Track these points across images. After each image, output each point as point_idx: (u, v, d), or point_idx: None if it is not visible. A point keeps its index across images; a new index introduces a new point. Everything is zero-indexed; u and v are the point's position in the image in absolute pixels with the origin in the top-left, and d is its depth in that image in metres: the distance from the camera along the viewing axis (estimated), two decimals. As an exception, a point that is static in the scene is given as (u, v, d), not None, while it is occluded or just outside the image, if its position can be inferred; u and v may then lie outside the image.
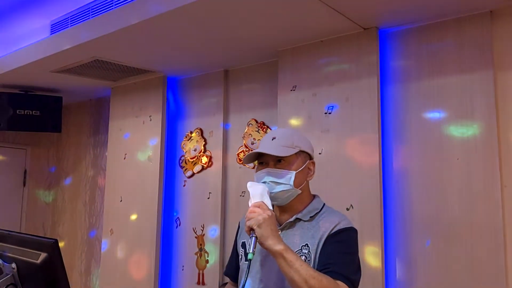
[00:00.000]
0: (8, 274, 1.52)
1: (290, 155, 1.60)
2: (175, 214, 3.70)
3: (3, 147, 4.81)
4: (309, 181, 1.68)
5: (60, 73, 3.71)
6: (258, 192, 1.56)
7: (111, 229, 3.91)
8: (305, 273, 1.40)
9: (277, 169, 1.60)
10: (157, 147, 3.69)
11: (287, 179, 1.59)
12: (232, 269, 1.80)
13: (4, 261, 1.55)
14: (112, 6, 2.90)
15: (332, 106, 2.76)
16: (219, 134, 3.49)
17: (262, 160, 1.65)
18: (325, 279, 1.41)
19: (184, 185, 3.66)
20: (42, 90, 4.32)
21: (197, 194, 3.56)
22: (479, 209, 2.31)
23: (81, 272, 4.51)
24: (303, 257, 1.53)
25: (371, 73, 2.63)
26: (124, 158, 3.93)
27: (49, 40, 3.33)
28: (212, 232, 3.42)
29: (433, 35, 2.55)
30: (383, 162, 2.59)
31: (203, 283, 3.41)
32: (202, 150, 3.56)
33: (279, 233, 1.56)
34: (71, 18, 3.27)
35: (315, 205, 1.66)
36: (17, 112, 4.13)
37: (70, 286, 1.44)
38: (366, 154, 2.58)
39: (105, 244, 3.95)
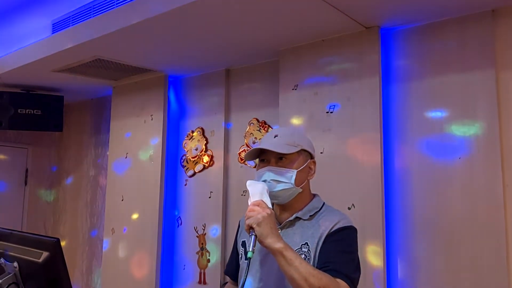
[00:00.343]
0: (10, 273, 1.52)
1: (292, 153, 1.61)
2: (176, 213, 3.70)
3: (4, 146, 4.81)
4: (310, 181, 1.69)
5: (61, 72, 3.72)
6: (257, 190, 1.56)
7: (113, 228, 3.91)
8: (304, 271, 1.40)
9: (279, 167, 1.60)
10: (158, 146, 3.69)
11: (288, 177, 1.59)
12: (232, 268, 1.80)
13: (6, 260, 1.55)
14: (114, 5, 2.90)
15: (334, 105, 2.76)
16: (220, 134, 3.49)
17: (263, 157, 1.65)
18: (324, 277, 1.41)
19: (185, 185, 3.67)
20: (44, 89, 4.32)
21: (198, 193, 3.56)
22: (481, 208, 2.31)
23: (82, 271, 4.52)
24: (302, 256, 1.53)
25: (373, 72, 2.62)
26: (126, 157, 3.93)
27: (50, 40, 3.33)
28: (214, 231, 3.42)
29: (435, 34, 2.55)
30: (384, 161, 2.58)
31: (205, 283, 3.42)
32: (204, 150, 3.56)
33: (279, 231, 1.56)
34: (72, 18, 3.27)
35: (315, 204, 1.66)
36: (19, 111, 4.13)
37: (72, 285, 1.44)
38: (368, 154, 2.58)
39: (107, 243, 3.95)
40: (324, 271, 1.45)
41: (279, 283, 1.56)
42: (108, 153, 4.19)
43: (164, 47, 3.13)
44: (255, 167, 2.96)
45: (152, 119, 3.77)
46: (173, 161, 3.77)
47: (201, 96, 3.68)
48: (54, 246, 1.43)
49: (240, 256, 1.74)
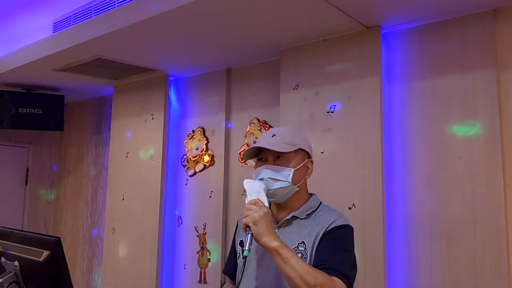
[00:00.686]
0: (11, 272, 1.53)
1: (289, 152, 1.62)
2: (177, 212, 3.70)
3: (5, 145, 4.82)
4: (309, 180, 1.69)
5: (62, 71, 3.72)
6: (254, 189, 1.57)
7: (113, 227, 3.91)
8: (300, 269, 1.40)
9: (276, 166, 1.61)
10: (159, 145, 3.69)
11: (286, 176, 1.60)
12: (230, 268, 1.81)
13: (6, 259, 1.55)
14: (115, 4, 2.90)
15: (335, 105, 2.76)
16: (221, 133, 3.49)
17: (261, 156, 1.66)
18: (320, 275, 1.42)
19: (186, 184, 3.67)
20: (44, 89, 4.33)
21: (199, 192, 3.56)
22: (481, 208, 2.31)
23: (83, 270, 4.52)
24: (299, 255, 1.54)
25: (374, 72, 2.62)
26: (126, 157, 3.93)
27: (51, 39, 3.34)
28: (214, 231, 3.42)
29: (436, 34, 2.55)
30: (385, 161, 2.58)
31: (205, 282, 3.42)
32: (204, 149, 3.56)
33: (276, 230, 1.57)
34: (73, 17, 3.28)
35: (311, 203, 1.67)
36: (19, 110, 4.13)
37: (72, 284, 1.45)
38: (369, 153, 2.58)
39: (107, 242, 3.95)
40: (320, 269, 1.46)
41: (276, 281, 1.57)
42: (108, 152, 4.19)
43: (165, 47, 3.13)
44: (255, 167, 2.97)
45: (152, 119, 3.77)
46: (173, 161, 3.77)
47: (201, 95, 3.68)
48: (54, 245, 1.43)
49: (238, 255, 1.75)
